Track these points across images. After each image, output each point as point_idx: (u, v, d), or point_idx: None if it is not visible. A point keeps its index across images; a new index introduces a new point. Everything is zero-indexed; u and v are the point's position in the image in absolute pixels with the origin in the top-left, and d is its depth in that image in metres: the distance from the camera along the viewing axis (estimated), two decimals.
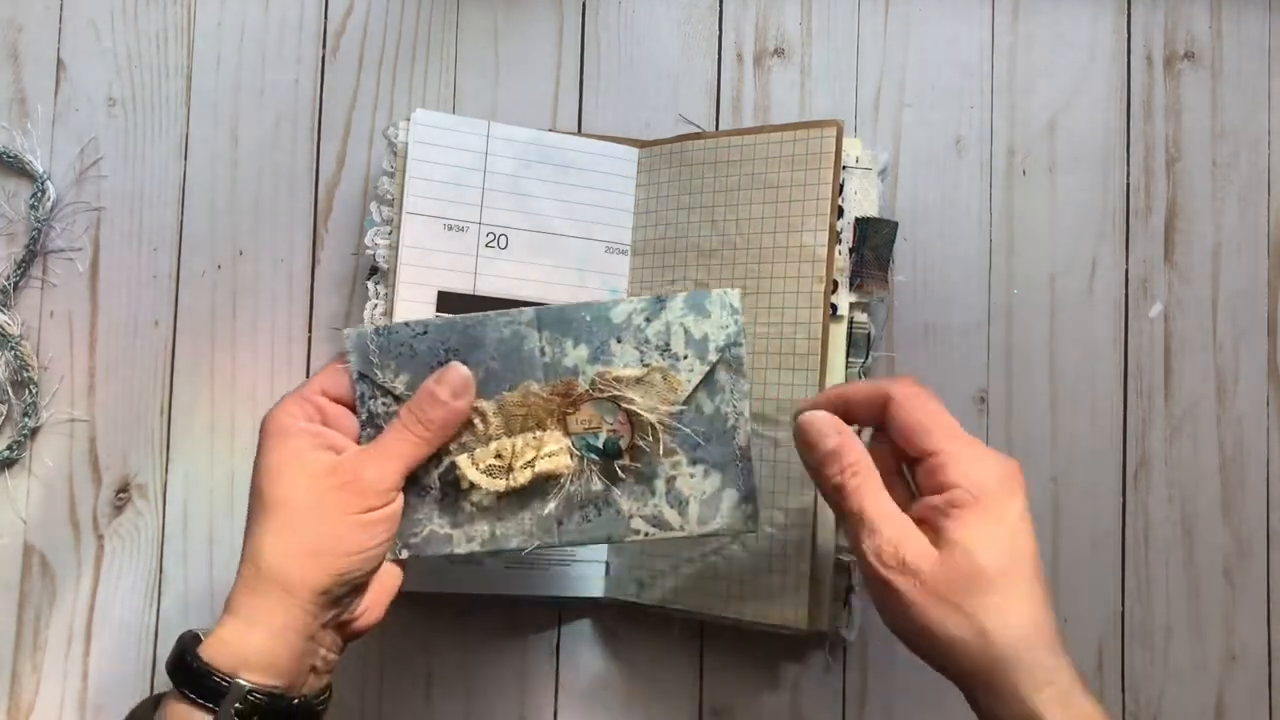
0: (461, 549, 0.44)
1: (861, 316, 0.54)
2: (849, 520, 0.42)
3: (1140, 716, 0.57)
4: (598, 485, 0.44)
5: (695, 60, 0.59)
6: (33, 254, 0.56)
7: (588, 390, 0.43)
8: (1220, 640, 0.57)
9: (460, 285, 0.54)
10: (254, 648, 0.40)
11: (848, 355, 0.54)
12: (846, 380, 0.54)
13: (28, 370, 0.56)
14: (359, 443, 0.44)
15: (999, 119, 0.59)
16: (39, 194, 0.56)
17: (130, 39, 0.58)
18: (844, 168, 0.54)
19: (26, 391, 0.56)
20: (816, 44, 0.59)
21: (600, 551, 0.56)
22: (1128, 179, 0.59)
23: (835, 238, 0.52)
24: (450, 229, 0.54)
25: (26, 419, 0.56)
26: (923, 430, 0.41)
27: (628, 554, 0.55)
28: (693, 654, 0.57)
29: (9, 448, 0.56)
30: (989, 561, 0.39)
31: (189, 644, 0.40)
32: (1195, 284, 0.59)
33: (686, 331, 0.43)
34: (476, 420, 0.44)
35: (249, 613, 0.40)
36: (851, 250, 0.54)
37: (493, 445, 0.43)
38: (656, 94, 0.59)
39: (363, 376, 0.44)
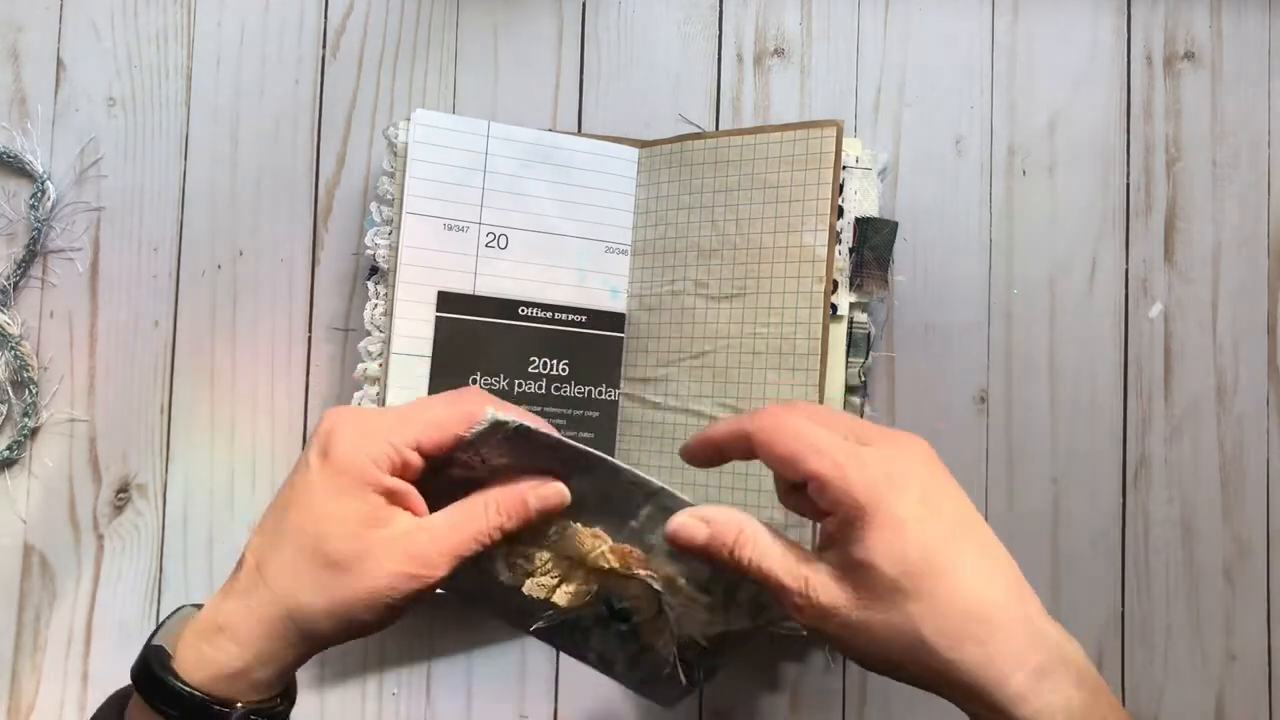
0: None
1: (861, 316, 0.54)
2: (763, 586, 0.39)
3: (1140, 716, 0.57)
4: (586, 621, 0.44)
5: (695, 60, 0.59)
6: (33, 254, 0.56)
7: (643, 572, 0.42)
8: (1220, 640, 0.57)
9: (460, 285, 0.54)
10: (261, 679, 0.39)
11: (848, 355, 0.54)
12: (846, 381, 0.54)
13: (28, 370, 0.56)
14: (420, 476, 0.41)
15: (999, 119, 0.59)
16: (39, 194, 0.56)
17: (130, 39, 0.58)
18: (844, 168, 0.54)
19: (26, 391, 0.56)
20: (816, 44, 0.59)
21: None
22: (1128, 179, 0.59)
23: (835, 238, 0.52)
24: (450, 229, 0.54)
25: (26, 419, 0.56)
26: (788, 460, 0.39)
27: None
28: None
29: (9, 448, 0.56)
30: (896, 570, 0.36)
31: (161, 660, 0.38)
32: (1195, 284, 0.59)
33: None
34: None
35: (266, 651, 0.39)
36: (851, 250, 0.54)
37: (532, 550, 0.42)
38: (656, 94, 0.59)
39: (471, 444, 0.41)
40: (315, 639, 0.39)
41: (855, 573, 0.37)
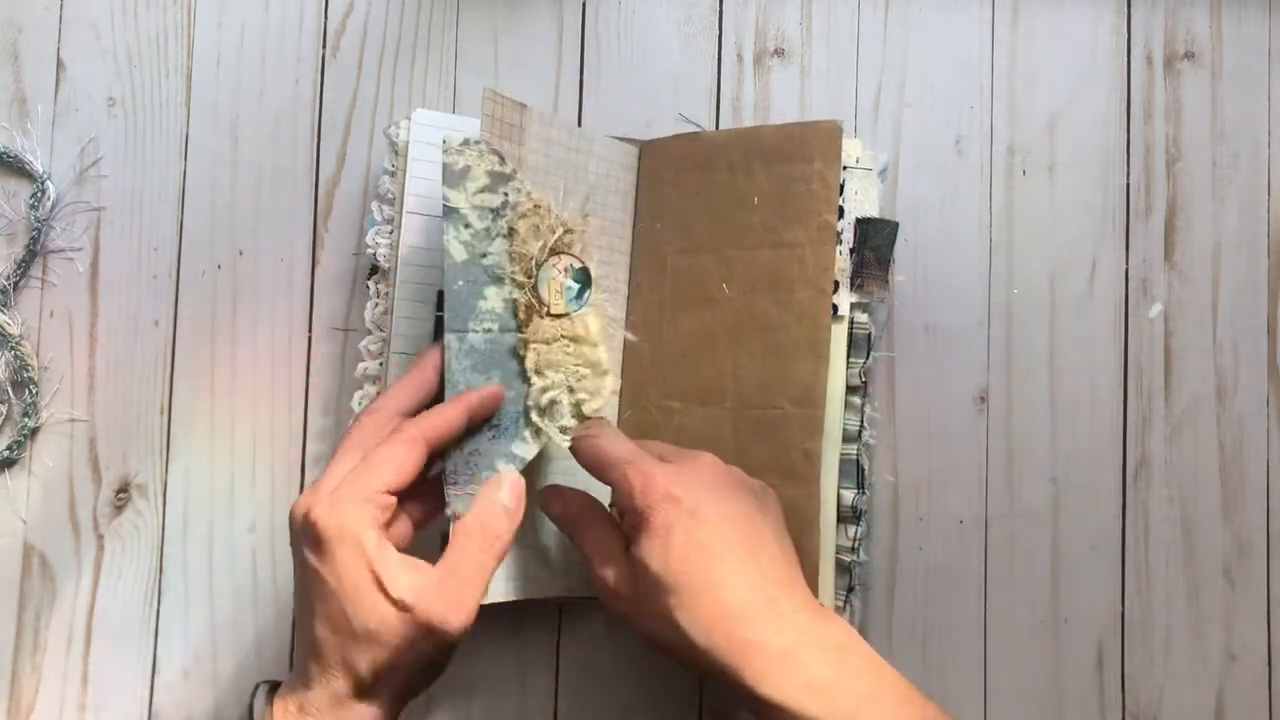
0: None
1: (862, 316, 0.54)
2: (587, 562, 0.47)
3: (1140, 716, 0.57)
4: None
5: (695, 60, 0.59)
6: (33, 254, 0.56)
7: (531, 282, 0.48)
8: (1220, 640, 0.57)
9: None
10: None
11: (848, 355, 0.54)
12: (846, 381, 0.54)
13: (28, 370, 0.56)
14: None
15: (999, 119, 0.59)
16: (39, 194, 0.56)
17: (130, 39, 0.58)
18: (844, 168, 0.54)
19: (26, 391, 0.56)
20: (816, 44, 0.59)
21: None
22: (1128, 179, 0.59)
23: (835, 237, 0.52)
24: None
25: (26, 419, 0.56)
26: (594, 469, 0.46)
27: None
28: None
29: (9, 448, 0.56)
30: (659, 569, 0.43)
31: None
32: (1195, 284, 0.59)
33: (475, 184, 0.48)
34: (530, 402, 0.48)
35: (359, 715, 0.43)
36: (852, 250, 0.54)
37: (546, 396, 0.48)
38: (656, 94, 0.59)
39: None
40: (407, 695, 0.45)
41: (634, 567, 0.44)
